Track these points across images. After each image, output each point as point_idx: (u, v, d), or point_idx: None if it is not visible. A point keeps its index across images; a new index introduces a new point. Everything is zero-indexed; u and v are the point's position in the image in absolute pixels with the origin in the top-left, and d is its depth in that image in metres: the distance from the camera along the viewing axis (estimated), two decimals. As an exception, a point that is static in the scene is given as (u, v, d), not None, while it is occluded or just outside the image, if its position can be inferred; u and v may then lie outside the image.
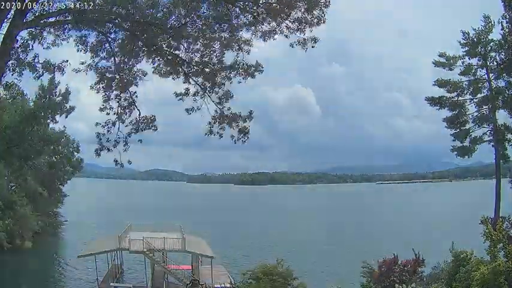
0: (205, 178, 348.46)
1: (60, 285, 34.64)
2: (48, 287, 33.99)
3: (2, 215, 40.40)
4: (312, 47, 12.52)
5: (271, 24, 12.31)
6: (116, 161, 14.32)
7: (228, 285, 28.36)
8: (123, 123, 14.34)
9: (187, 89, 14.09)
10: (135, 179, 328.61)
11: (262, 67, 13.63)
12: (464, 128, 29.62)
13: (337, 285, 24.25)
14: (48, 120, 31.62)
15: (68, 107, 30.98)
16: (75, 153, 41.88)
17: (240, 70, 13.53)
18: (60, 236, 57.50)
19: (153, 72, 14.25)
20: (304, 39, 12.38)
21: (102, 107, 14.35)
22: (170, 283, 31.52)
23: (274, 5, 11.62)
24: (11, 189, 44.56)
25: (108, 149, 14.21)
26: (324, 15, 11.91)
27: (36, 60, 12.63)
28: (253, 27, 12.60)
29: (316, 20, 11.90)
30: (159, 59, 13.84)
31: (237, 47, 13.13)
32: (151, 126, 14.46)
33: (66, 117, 31.67)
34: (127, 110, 14.44)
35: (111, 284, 30.63)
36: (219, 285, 29.11)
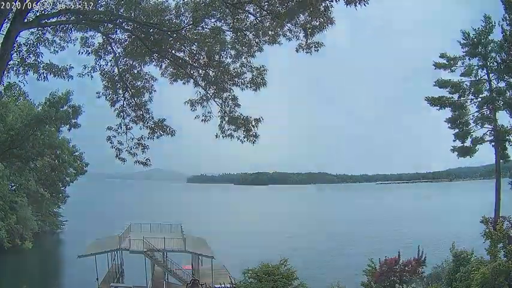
0: (205, 178, 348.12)
1: (60, 285, 34.66)
2: (48, 287, 33.99)
3: (3, 215, 40.43)
4: (316, 51, 12.51)
5: (275, 27, 12.28)
6: (136, 161, 14.47)
7: (229, 285, 28.35)
8: (136, 124, 14.48)
9: (200, 95, 14.09)
10: (134, 179, 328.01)
11: (266, 82, 13.69)
12: (466, 128, 29.63)
13: (338, 285, 24.24)
14: (52, 129, 31.85)
15: (73, 123, 31.32)
16: (78, 161, 42.47)
17: (246, 81, 13.59)
18: (60, 236, 57.55)
19: (161, 75, 14.28)
20: (308, 44, 12.38)
21: (116, 112, 14.45)
22: (170, 283, 31.52)
23: (278, 8, 11.57)
24: (12, 189, 44.62)
25: (130, 153, 14.31)
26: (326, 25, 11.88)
27: (39, 61, 12.59)
28: (257, 30, 12.58)
29: (319, 26, 11.87)
30: (163, 61, 13.84)
31: (242, 50, 13.13)
32: (169, 132, 14.50)
33: (69, 130, 32.05)
34: (138, 114, 14.51)
35: (111, 284, 30.61)
36: (219, 285, 29.11)
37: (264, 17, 12.16)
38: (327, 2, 11.15)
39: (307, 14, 11.59)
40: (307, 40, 12.23)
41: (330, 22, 11.70)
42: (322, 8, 11.26)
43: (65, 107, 31.32)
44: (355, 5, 10.65)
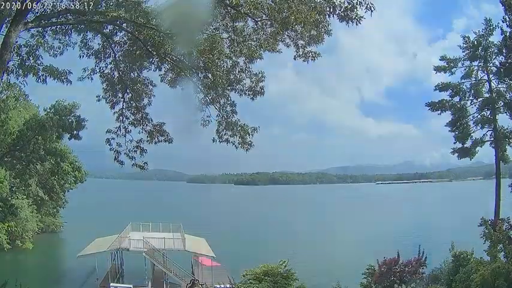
0: (205, 178, 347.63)
1: (60, 285, 34.67)
2: (48, 287, 33.99)
3: (3, 216, 40.57)
4: (313, 60, 12.57)
5: (275, 34, 12.30)
6: (133, 164, 14.52)
7: (228, 286, 28.40)
8: (135, 127, 14.52)
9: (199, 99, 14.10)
10: (135, 179, 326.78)
11: (264, 90, 13.77)
12: (466, 130, 29.62)
13: (338, 285, 24.22)
14: (54, 136, 32.23)
15: (75, 134, 31.78)
16: (76, 172, 42.85)
17: (245, 88, 13.65)
18: (60, 236, 57.53)
19: (161, 80, 14.29)
20: (306, 53, 12.43)
21: (116, 115, 14.49)
22: (170, 283, 31.57)
23: (277, 13, 11.59)
24: (12, 190, 44.67)
25: (128, 156, 14.35)
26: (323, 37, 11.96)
27: (38, 64, 12.58)
28: (257, 36, 12.60)
29: (316, 36, 11.95)
30: (163, 64, 13.84)
31: (240, 56, 13.16)
32: (167, 139, 14.53)
33: (70, 139, 32.49)
34: (137, 117, 14.55)
35: (111, 284, 30.66)
36: (218, 285, 29.18)
37: (265, 22, 12.17)
38: (320, 16, 11.22)
39: (301, 25, 11.65)
40: (303, 49, 12.29)
41: (326, 33, 11.82)
42: (313, 21, 11.32)
43: (70, 117, 31.71)
44: (347, 23, 10.73)
